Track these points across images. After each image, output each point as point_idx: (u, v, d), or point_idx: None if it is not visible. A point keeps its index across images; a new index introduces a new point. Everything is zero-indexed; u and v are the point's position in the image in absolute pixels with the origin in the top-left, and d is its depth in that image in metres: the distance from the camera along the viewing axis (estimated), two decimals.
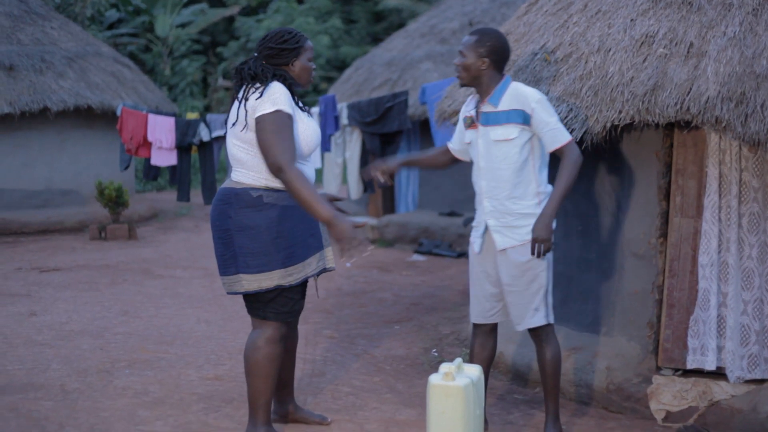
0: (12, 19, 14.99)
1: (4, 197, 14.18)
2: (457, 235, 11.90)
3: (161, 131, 11.75)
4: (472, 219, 11.74)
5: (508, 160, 4.86)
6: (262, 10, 33.27)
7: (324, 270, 4.92)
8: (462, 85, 5.11)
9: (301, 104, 4.85)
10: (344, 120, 10.85)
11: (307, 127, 4.74)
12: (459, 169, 12.35)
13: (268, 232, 4.65)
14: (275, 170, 4.46)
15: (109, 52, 16.43)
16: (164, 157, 11.96)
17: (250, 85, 4.70)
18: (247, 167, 4.72)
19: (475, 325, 5.22)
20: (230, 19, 32.77)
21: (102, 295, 9.20)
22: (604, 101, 5.34)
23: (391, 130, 10.03)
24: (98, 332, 7.61)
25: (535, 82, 5.95)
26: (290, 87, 4.72)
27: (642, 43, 5.43)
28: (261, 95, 4.60)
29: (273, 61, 4.76)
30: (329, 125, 10.79)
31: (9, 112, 13.60)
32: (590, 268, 6.08)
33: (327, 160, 12.10)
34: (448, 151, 5.39)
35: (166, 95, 28.39)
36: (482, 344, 5.19)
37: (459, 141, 5.27)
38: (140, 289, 9.53)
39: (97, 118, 14.91)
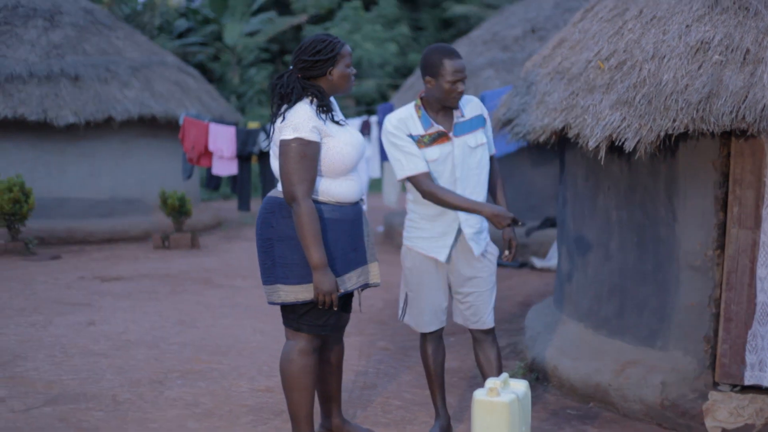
0: (78, 30, 15.18)
1: (70, 206, 14.37)
2: (520, 245, 11.77)
3: (222, 141, 11.79)
4: (535, 228, 11.63)
5: (482, 163, 5.05)
6: (329, 18, 33.33)
7: (366, 285, 4.87)
8: (455, 107, 5.05)
9: (338, 116, 4.79)
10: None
11: (344, 143, 4.64)
12: (522, 179, 12.32)
13: None
14: (289, 199, 4.45)
15: (174, 62, 16.57)
16: (225, 166, 12.00)
17: (278, 105, 4.67)
18: None
19: (427, 334, 5.30)
20: (298, 28, 32.90)
21: (161, 305, 9.24)
22: (658, 110, 5.21)
23: None
24: (154, 342, 7.64)
25: (588, 90, 5.84)
26: (323, 102, 4.65)
27: (697, 50, 5.29)
28: (284, 119, 4.57)
29: (308, 73, 4.67)
30: None
31: (74, 122, 13.78)
32: (646, 280, 5.93)
33: (386, 169, 12.01)
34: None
35: (235, 104, 28.69)
36: (436, 349, 5.33)
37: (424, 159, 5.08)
38: (199, 299, 9.56)
39: (161, 128, 15.05)
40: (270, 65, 31.78)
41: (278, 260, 4.65)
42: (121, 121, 14.11)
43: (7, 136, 14.09)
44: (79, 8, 15.80)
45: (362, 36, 29.54)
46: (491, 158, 5.25)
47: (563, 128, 5.95)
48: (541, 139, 6.22)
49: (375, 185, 20.28)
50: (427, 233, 5.09)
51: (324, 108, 4.66)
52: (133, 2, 29.43)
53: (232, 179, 12.23)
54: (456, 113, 4.96)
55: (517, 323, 8.17)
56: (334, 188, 4.67)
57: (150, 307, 9.15)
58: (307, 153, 4.47)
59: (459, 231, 5.01)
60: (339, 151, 4.62)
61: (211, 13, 32.64)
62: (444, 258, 5.05)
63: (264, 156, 11.96)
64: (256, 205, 14.19)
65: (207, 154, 12.00)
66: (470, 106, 5.05)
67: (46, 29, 14.97)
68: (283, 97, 4.68)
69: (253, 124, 16.13)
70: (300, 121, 4.51)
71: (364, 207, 5.04)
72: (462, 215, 4.97)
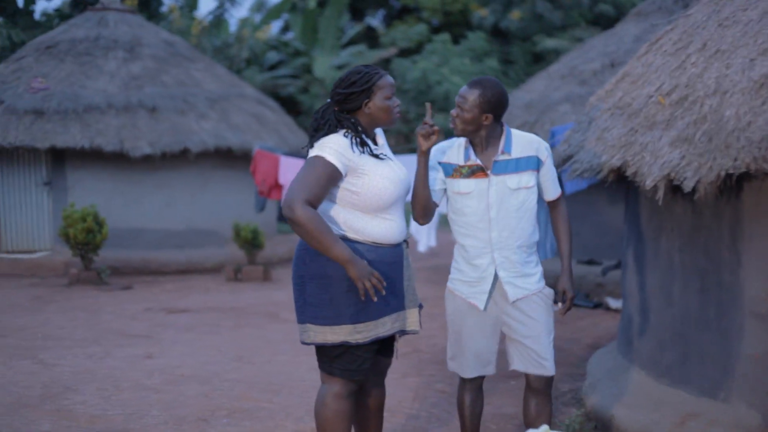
0: (158, 62, 15.31)
1: (146, 237, 14.42)
2: (595, 284, 11.41)
3: (292, 174, 11.66)
4: (611, 267, 11.26)
5: (525, 208, 4.79)
6: (418, 51, 33.25)
7: (404, 332, 4.65)
8: (459, 136, 4.86)
9: (379, 150, 4.58)
10: None
11: (381, 177, 4.42)
12: (599, 216, 11.97)
13: (339, 284, 4.39)
14: (286, 207, 4.18)
15: (253, 94, 16.59)
16: None
17: (310, 137, 4.50)
18: (324, 215, 4.51)
19: (466, 380, 5.05)
20: (387, 61, 32.89)
21: (221, 339, 9.13)
22: (719, 148, 4.92)
23: None
24: (207, 378, 7.50)
25: (648, 126, 5.57)
26: (358, 135, 4.45)
27: (761, 85, 4.98)
28: (312, 147, 4.42)
29: (344, 106, 4.49)
30: None
31: (150, 153, 13.84)
32: (708, 328, 5.60)
33: None
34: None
35: None
36: (474, 399, 5.09)
37: (432, 186, 4.91)
38: (261, 334, 9.42)
39: (237, 160, 15.05)
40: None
41: (308, 299, 4.47)
42: (197, 152, 14.14)
43: (84, 166, 14.23)
44: (160, 40, 15.95)
45: (450, 69, 29.37)
46: (557, 201, 5.04)
47: (621, 166, 5.68)
48: (599, 177, 5.95)
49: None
50: (467, 276, 4.89)
51: (359, 140, 4.47)
52: (225, 34, 29.73)
53: None
54: (498, 150, 4.74)
55: (583, 368, 7.86)
56: (370, 227, 4.46)
57: (210, 340, 9.04)
58: (323, 171, 4.27)
59: (497, 276, 4.78)
60: (375, 185, 4.41)
61: (301, 46, 32.84)
62: (482, 305, 4.85)
63: None
64: None
65: (278, 187, 11.91)
66: (522, 145, 4.79)
67: (126, 60, 15.13)
68: (317, 130, 4.52)
69: None
70: (328, 143, 4.35)
71: (406, 247, 4.80)
72: (497, 258, 4.76)
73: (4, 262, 14.16)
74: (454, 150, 4.86)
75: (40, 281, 13.17)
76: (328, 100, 4.61)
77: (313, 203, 4.21)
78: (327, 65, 31.31)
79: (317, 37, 32.63)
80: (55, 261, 13.80)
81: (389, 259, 4.53)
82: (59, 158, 14.33)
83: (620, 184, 6.24)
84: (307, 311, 4.48)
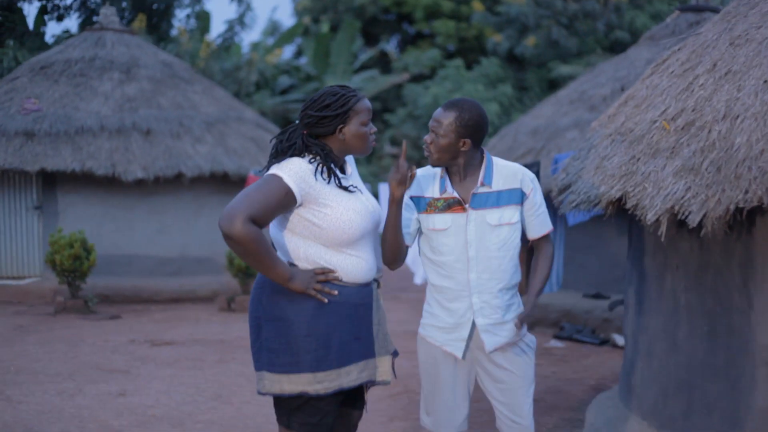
0: (154, 83, 14.89)
1: (138, 263, 13.93)
2: (602, 319, 10.86)
3: None
4: (619, 302, 10.71)
5: (507, 247, 4.29)
6: (431, 77, 32.85)
7: (372, 383, 4.13)
8: (434, 166, 4.33)
9: (348, 181, 4.07)
10: None
11: (346, 210, 3.93)
12: (607, 248, 11.43)
13: (298, 327, 3.90)
14: (225, 220, 3.66)
15: (252, 117, 16.14)
16: None
17: (268, 163, 4.00)
18: (281, 249, 4.03)
19: None
20: (400, 86, 32.50)
21: (202, 375, 8.61)
22: (728, 179, 4.41)
23: None
24: (180, 419, 7.00)
25: (651, 154, 5.06)
26: (326, 163, 3.95)
27: None
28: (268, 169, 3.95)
29: (315, 130, 3.99)
30: None
31: (143, 177, 13.37)
32: (717, 377, 5.06)
33: None
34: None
35: None
36: None
37: (407, 225, 4.38)
38: (245, 370, 8.88)
39: (233, 185, 14.52)
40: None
41: (265, 343, 3.99)
42: (191, 177, 13.64)
43: (76, 190, 13.79)
44: (158, 61, 15.53)
45: (463, 95, 28.91)
46: (542, 240, 4.49)
47: (621, 197, 5.16)
48: (596, 210, 5.44)
49: None
50: (442, 322, 4.37)
51: (326, 169, 3.97)
52: (237, 57, 29.38)
53: None
54: (477, 181, 4.23)
55: (583, 412, 7.30)
56: (334, 264, 3.97)
57: (190, 377, 8.52)
58: (276, 192, 3.79)
59: (474, 322, 4.27)
60: (339, 217, 3.91)
61: (313, 71, 32.55)
62: (460, 353, 4.32)
63: None
64: None
65: None
66: (505, 176, 4.27)
67: (122, 82, 14.71)
68: (278, 154, 4.02)
69: None
70: (288, 165, 3.88)
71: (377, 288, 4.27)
72: (476, 302, 4.24)
73: None
74: (428, 181, 4.36)
75: (27, 309, 12.69)
76: (296, 122, 4.12)
77: (258, 222, 3.73)
78: None
79: (329, 61, 32.33)
80: (44, 288, 13.31)
81: (356, 300, 4.03)
82: (50, 182, 13.90)
83: (624, 216, 5.72)
84: (263, 357, 4.00)
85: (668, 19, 11.89)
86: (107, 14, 16.27)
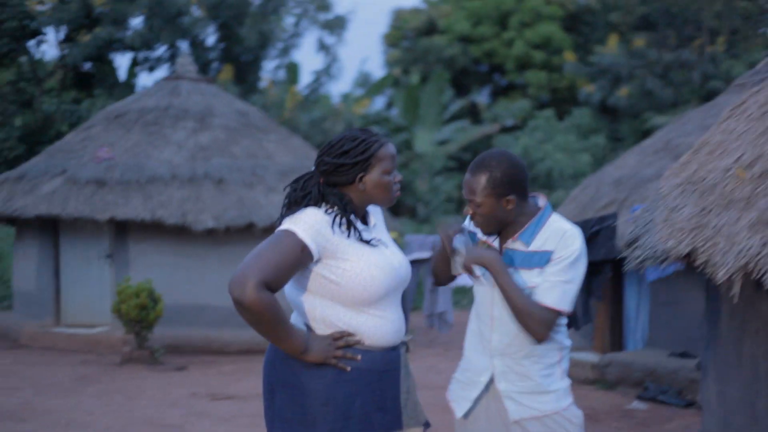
0: (228, 132, 14.66)
1: (209, 314, 13.61)
2: (689, 380, 10.17)
3: None
4: None
5: None
6: (522, 127, 32.40)
7: None
8: (487, 235, 3.81)
9: (370, 234, 3.67)
10: None
11: (368, 265, 3.50)
12: (695, 303, 10.75)
13: (314, 396, 3.49)
14: (236, 287, 3.24)
15: None
16: None
17: (286, 212, 3.59)
18: (297, 308, 3.63)
19: None
20: (490, 137, 32.08)
21: None
22: None
23: (597, 258, 8.53)
24: None
25: (724, 205, 4.54)
26: (345, 215, 3.54)
27: None
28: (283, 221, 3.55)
29: (332, 178, 3.59)
30: None
31: (214, 227, 13.09)
32: None
33: None
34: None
35: (423, 212, 28.00)
36: None
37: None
38: None
39: None
40: (458, 174, 30.99)
41: (278, 412, 3.59)
42: (263, 227, 13.29)
43: (146, 239, 13.57)
44: (233, 110, 15.33)
45: (554, 146, 28.40)
46: (545, 311, 3.65)
47: (690, 253, 4.64)
48: (664, 267, 4.92)
49: None
50: (461, 373, 3.97)
51: (345, 221, 3.55)
52: (326, 108, 29.34)
53: None
54: (515, 238, 3.74)
55: None
56: (355, 326, 3.54)
57: None
58: (291, 250, 3.37)
59: (489, 386, 3.80)
60: (360, 273, 3.48)
61: (403, 122, 32.34)
62: (462, 412, 3.88)
63: None
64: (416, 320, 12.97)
65: None
66: (548, 236, 3.70)
67: (195, 131, 14.51)
68: (291, 205, 3.61)
69: (391, 234, 15.02)
70: (302, 218, 3.47)
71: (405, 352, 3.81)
72: (498, 365, 3.78)
73: (61, 336, 13.51)
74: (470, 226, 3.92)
75: (94, 359, 12.45)
76: (312, 169, 3.71)
77: (272, 287, 3.32)
78: (428, 141, 30.74)
79: (419, 112, 32.07)
80: (113, 337, 13.06)
81: (380, 366, 3.59)
82: (122, 230, 13.71)
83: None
84: (277, 427, 3.61)
85: (759, 65, 11.27)
86: (184, 63, 16.17)
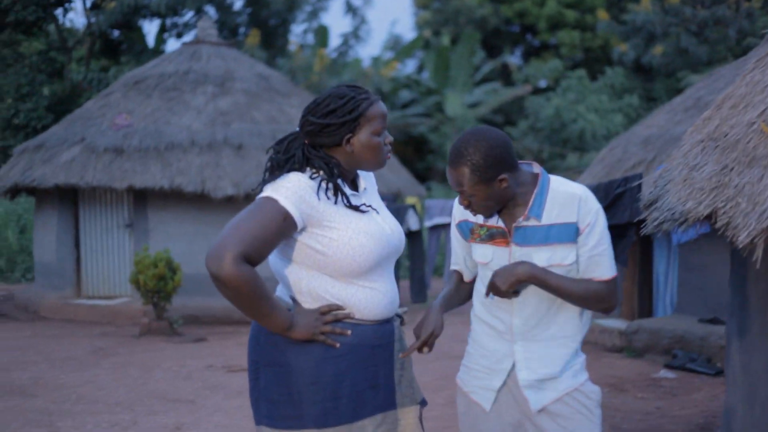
0: (249, 97, 14.38)
1: None
2: (719, 347, 9.79)
3: None
4: None
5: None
6: (553, 88, 31.91)
7: None
8: (489, 218, 3.48)
9: (360, 199, 3.37)
10: None
11: (356, 232, 3.22)
12: (725, 267, 10.35)
13: (301, 374, 3.22)
14: (213, 260, 2.97)
15: None
16: None
17: (268, 177, 3.29)
18: (283, 281, 3.34)
19: None
20: (521, 98, 31.62)
21: None
22: None
23: (621, 221, 8.16)
24: None
25: (746, 163, 4.20)
26: (332, 180, 3.25)
27: None
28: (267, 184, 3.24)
29: (318, 140, 3.28)
30: None
31: (234, 194, 12.83)
32: None
33: None
34: (461, 277, 3.80)
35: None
36: None
37: (464, 259, 3.72)
38: None
39: None
40: None
41: (263, 393, 3.32)
42: None
43: (166, 207, 13.35)
44: (254, 74, 15.03)
45: (586, 106, 27.90)
46: (603, 284, 3.42)
47: (710, 215, 4.30)
48: (681, 230, 4.58)
49: None
50: (476, 363, 3.60)
51: (333, 186, 3.25)
52: (357, 71, 28.99)
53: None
54: (526, 215, 3.39)
55: None
56: (344, 298, 3.26)
57: None
58: (272, 219, 3.08)
59: (512, 372, 3.48)
60: (348, 242, 3.19)
61: (433, 84, 31.94)
62: (488, 405, 3.53)
63: (412, 236, 10.57)
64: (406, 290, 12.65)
65: None
66: (560, 205, 3.38)
67: (215, 96, 14.23)
68: (276, 167, 3.31)
69: (411, 200, 14.71)
70: (284, 183, 3.17)
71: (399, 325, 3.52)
72: (519, 351, 3.46)
73: (82, 308, 13.37)
74: None
75: (114, 330, 12.29)
76: (296, 130, 3.41)
77: (252, 259, 3.03)
78: (459, 103, 30.32)
79: (449, 74, 31.63)
80: (133, 308, 12.89)
81: (372, 341, 3.32)
82: (141, 199, 13.49)
83: None
84: (262, 408, 3.34)
85: None
86: (204, 27, 15.90)
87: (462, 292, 3.75)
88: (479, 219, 3.50)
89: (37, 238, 14.80)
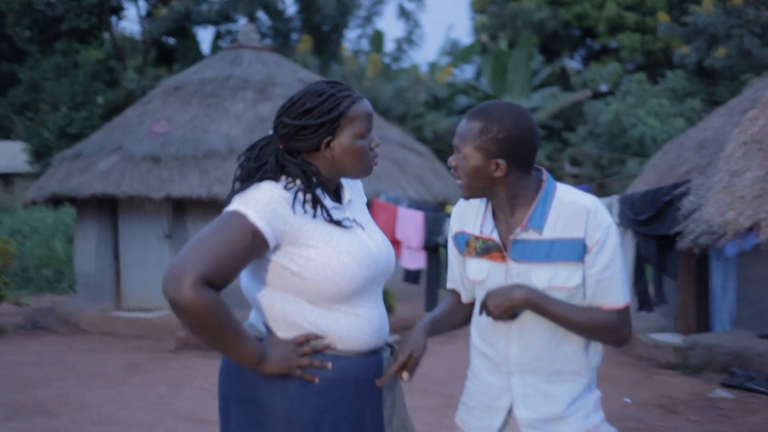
0: None
1: None
2: None
3: (409, 228, 10.09)
4: None
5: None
6: (612, 93, 31.28)
7: None
8: (466, 198, 3.05)
9: (343, 213, 2.96)
10: (615, 218, 8.59)
11: (338, 252, 2.81)
12: None
13: (276, 413, 2.82)
14: (170, 283, 2.57)
15: (397, 138, 15.12)
16: (413, 258, 10.26)
17: (232, 189, 2.88)
18: (256, 306, 2.94)
19: None
20: (579, 103, 31.01)
21: None
22: None
23: (669, 231, 7.64)
24: None
25: None
26: (311, 190, 2.85)
27: None
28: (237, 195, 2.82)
29: (294, 144, 2.88)
30: None
31: None
32: None
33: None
34: (458, 297, 3.33)
35: None
36: None
37: (460, 276, 3.26)
38: None
39: (371, 210, 13.49)
40: (547, 143, 29.99)
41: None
42: None
43: (205, 217, 13.00)
44: (296, 79, 14.69)
45: (647, 111, 27.23)
46: (614, 314, 2.95)
47: (752, 227, 3.81)
48: (720, 244, 4.09)
49: None
50: (473, 399, 3.15)
51: (311, 197, 2.83)
52: (411, 76, 28.61)
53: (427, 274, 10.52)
54: (524, 225, 2.93)
55: None
56: (325, 324, 2.85)
57: None
58: (240, 236, 2.68)
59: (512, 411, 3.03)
60: (326, 262, 2.78)
61: (490, 90, 31.47)
62: None
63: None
64: None
65: (395, 243, 10.34)
66: (566, 216, 2.91)
67: (255, 102, 13.91)
68: (244, 178, 2.90)
69: (449, 209, 14.25)
70: (255, 196, 2.76)
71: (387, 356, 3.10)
72: (517, 386, 3.00)
73: (121, 321, 13.07)
74: (473, 211, 3.12)
75: (150, 345, 11.95)
76: (270, 132, 2.99)
77: (215, 283, 2.63)
78: None
79: (507, 79, 31.13)
80: (172, 321, 12.52)
81: (356, 375, 2.91)
82: (180, 209, 13.20)
83: None
84: None
85: None
86: (246, 32, 15.62)
87: (457, 314, 3.29)
88: (475, 230, 3.06)
89: (78, 249, 14.61)
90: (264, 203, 2.74)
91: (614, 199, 8.62)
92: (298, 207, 2.79)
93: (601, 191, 26.51)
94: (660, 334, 10.84)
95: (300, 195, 2.82)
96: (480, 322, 3.09)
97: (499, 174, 2.88)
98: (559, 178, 29.37)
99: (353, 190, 3.13)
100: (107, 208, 13.72)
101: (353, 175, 3.00)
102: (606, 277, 2.90)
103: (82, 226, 14.38)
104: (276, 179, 2.84)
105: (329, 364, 2.82)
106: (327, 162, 2.91)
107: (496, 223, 3.00)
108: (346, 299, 2.84)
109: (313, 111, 2.86)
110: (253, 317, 3.00)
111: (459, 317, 3.29)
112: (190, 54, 26.51)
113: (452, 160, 2.99)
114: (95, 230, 13.94)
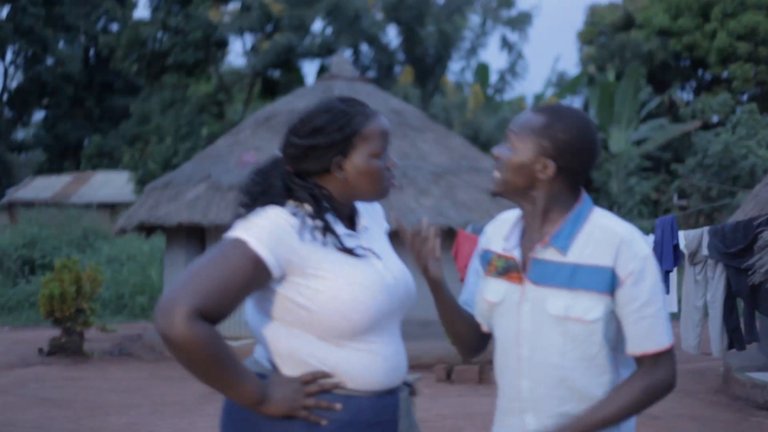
0: None
1: None
2: None
3: None
4: None
5: (579, 355, 2.57)
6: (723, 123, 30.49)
7: None
8: (495, 194, 2.75)
9: (355, 240, 2.70)
10: (704, 251, 8.13)
11: (349, 284, 2.56)
12: None
13: None
14: (162, 315, 2.34)
15: (490, 167, 14.84)
16: None
17: (242, 212, 2.62)
18: (261, 340, 2.69)
19: None
20: (688, 134, 30.31)
21: None
22: None
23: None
24: None
25: None
26: (321, 215, 2.62)
27: None
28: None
29: (302, 166, 2.66)
30: (666, 258, 8.11)
31: None
32: None
33: (685, 302, 8.98)
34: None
35: (615, 214, 26.59)
36: None
37: (471, 292, 2.95)
38: None
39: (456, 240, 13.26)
40: (655, 175, 29.34)
41: None
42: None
43: None
44: (387, 109, 14.62)
45: (758, 142, 26.41)
46: (650, 359, 2.58)
47: None
48: None
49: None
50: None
51: (321, 223, 2.60)
52: (516, 105, 28.36)
53: None
54: (546, 242, 2.62)
55: None
56: (335, 361, 2.59)
57: None
58: (239, 266, 2.44)
59: None
60: (337, 295, 2.53)
61: (597, 121, 31.00)
62: None
63: None
64: None
65: None
66: (594, 241, 2.58)
67: None
68: (252, 201, 2.64)
69: None
70: (259, 222, 2.52)
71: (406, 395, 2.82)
72: (530, 423, 2.65)
73: None
74: (503, 228, 2.81)
75: None
76: (276, 153, 2.78)
77: (211, 316, 2.39)
78: (623, 140, 29.29)
79: (614, 110, 30.59)
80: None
81: (368, 417, 2.62)
82: None
83: None
84: None
85: None
86: (339, 62, 15.63)
87: (474, 325, 2.92)
88: (499, 247, 2.76)
89: (167, 277, 14.71)
90: (268, 230, 2.50)
91: (704, 230, 8.16)
92: (307, 234, 2.55)
93: (709, 223, 25.80)
94: (759, 373, 10.31)
95: (308, 221, 2.58)
96: (497, 350, 2.78)
97: (543, 176, 2.59)
98: (667, 210, 28.66)
99: (371, 216, 2.89)
100: (195, 237, 13.76)
101: (368, 198, 2.77)
102: (647, 315, 2.54)
103: (171, 254, 14.46)
104: (282, 204, 2.59)
105: (338, 405, 2.56)
106: (339, 184, 2.67)
107: (522, 241, 2.71)
108: (358, 335, 2.57)
109: (323, 129, 2.63)
110: (258, 353, 2.74)
111: (474, 329, 2.93)
112: (294, 87, 26.71)
113: (496, 150, 2.72)
114: (183, 258, 13.98)
